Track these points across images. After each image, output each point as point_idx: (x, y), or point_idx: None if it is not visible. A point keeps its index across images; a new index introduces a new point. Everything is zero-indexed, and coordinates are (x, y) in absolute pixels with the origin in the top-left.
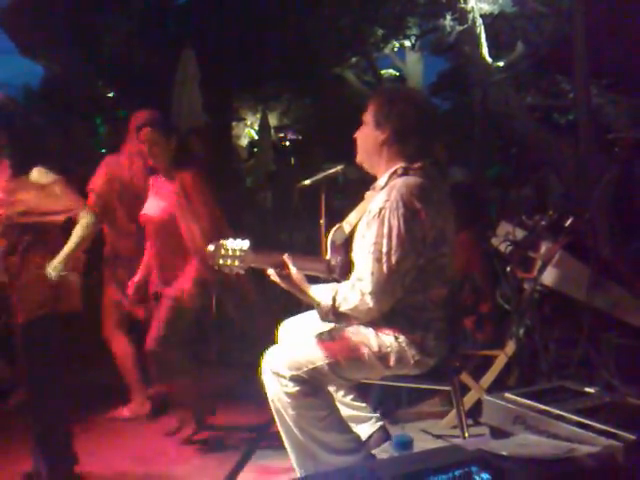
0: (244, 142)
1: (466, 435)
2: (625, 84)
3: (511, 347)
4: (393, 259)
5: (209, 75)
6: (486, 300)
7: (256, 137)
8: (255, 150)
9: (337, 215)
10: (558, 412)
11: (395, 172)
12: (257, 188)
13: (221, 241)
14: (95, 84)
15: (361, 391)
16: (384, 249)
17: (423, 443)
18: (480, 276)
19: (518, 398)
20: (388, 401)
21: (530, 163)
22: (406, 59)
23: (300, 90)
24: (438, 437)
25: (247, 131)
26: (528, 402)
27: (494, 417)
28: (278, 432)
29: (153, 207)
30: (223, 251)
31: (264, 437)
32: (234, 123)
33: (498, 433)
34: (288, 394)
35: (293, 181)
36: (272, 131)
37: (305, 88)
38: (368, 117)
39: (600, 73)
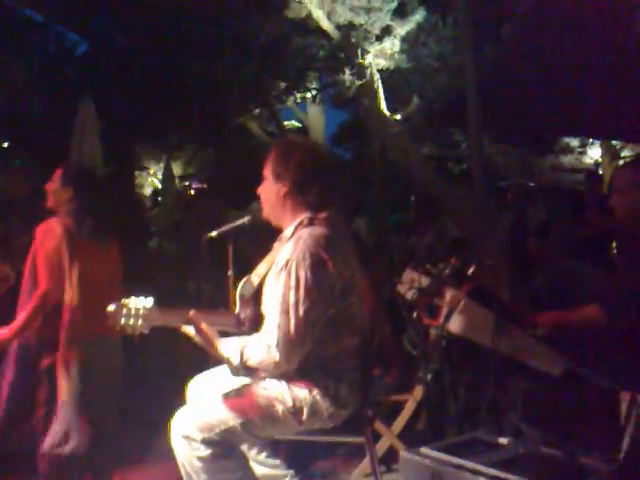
0: (148, 191)
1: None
2: (514, 135)
3: (419, 392)
4: (300, 310)
5: (110, 125)
6: (392, 346)
7: (160, 186)
8: (159, 199)
9: (249, 264)
10: (474, 466)
11: (301, 223)
12: (162, 238)
13: (123, 300)
14: None
15: (274, 445)
16: (291, 300)
17: None
18: (385, 325)
19: (434, 453)
20: (301, 454)
21: (429, 210)
22: (308, 111)
23: (204, 139)
24: None
25: (150, 180)
26: (445, 457)
27: (411, 474)
28: None
29: None
30: (125, 310)
31: None
32: (137, 172)
33: None
34: (200, 458)
35: (198, 230)
36: (176, 180)
37: (209, 138)
38: (267, 171)
39: (489, 125)
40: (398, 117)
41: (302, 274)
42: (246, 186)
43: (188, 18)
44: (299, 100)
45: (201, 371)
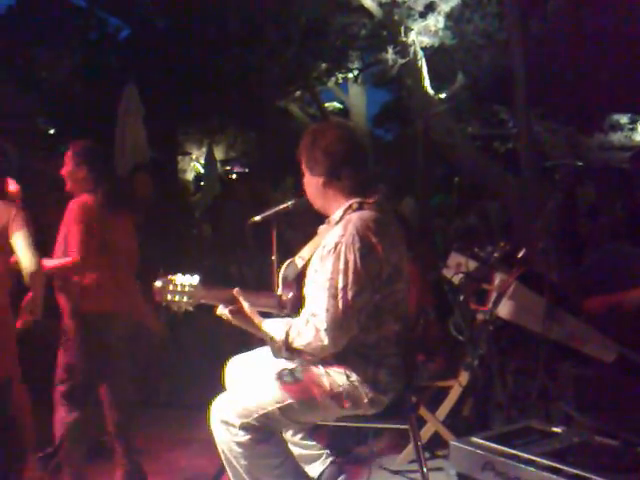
0: (190, 176)
1: (424, 470)
2: (561, 113)
3: (465, 377)
4: (349, 295)
5: (153, 110)
6: (438, 331)
7: (202, 171)
8: (202, 184)
9: (288, 248)
10: (528, 456)
11: (350, 207)
12: (204, 222)
13: (169, 276)
14: (35, 120)
15: (317, 430)
16: (340, 285)
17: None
18: (430, 310)
19: (486, 442)
20: (344, 439)
21: (473, 192)
22: (349, 92)
23: (245, 123)
24: (396, 473)
25: (193, 165)
26: (496, 446)
27: (462, 463)
28: None
29: None
30: (172, 287)
31: None
32: (180, 157)
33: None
34: (239, 443)
35: (241, 214)
36: (218, 164)
37: (250, 121)
38: (303, 166)
39: (537, 102)
40: (442, 96)
41: (351, 258)
42: (288, 169)
43: (227, 1)
44: (340, 81)
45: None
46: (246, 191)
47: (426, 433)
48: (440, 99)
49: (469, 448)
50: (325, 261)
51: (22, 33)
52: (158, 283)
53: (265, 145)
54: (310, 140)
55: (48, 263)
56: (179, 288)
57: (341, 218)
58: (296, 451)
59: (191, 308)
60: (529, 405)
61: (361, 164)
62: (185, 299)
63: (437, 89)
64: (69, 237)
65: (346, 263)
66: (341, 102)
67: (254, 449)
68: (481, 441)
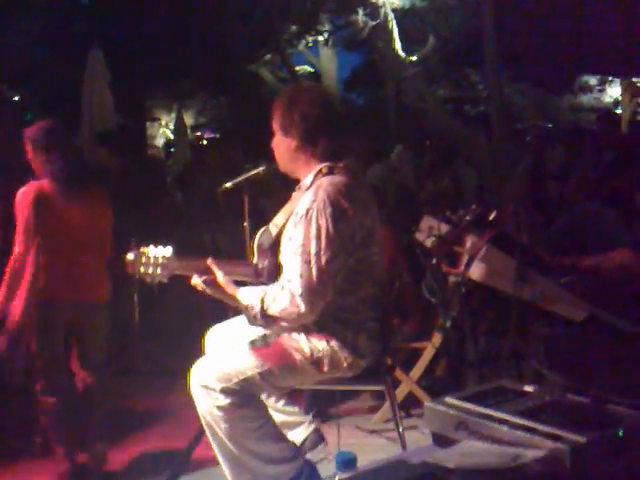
0: (160, 142)
1: (400, 429)
2: (531, 74)
3: (438, 339)
4: (323, 260)
5: (119, 75)
6: (411, 294)
7: (172, 137)
8: (172, 150)
9: (263, 215)
10: (500, 415)
11: (320, 171)
12: (175, 190)
13: (141, 249)
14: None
15: (293, 392)
16: (313, 250)
17: (358, 439)
18: (403, 273)
19: (459, 402)
20: (320, 400)
21: (445, 155)
22: (320, 55)
23: (215, 88)
24: (372, 432)
25: (163, 131)
26: (469, 406)
27: (436, 423)
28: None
29: None
30: (144, 259)
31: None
32: (148, 123)
33: (441, 440)
34: (219, 407)
35: (212, 182)
36: (188, 130)
37: (220, 86)
38: (275, 126)
39: (507, 64)
40: (413, 59)
41: (323, 223)
42: (260, 134)
43: None
44: (310, 44)
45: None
46: (217, 158)
47: (401, 393)
48: (411, 62)
49: (442, 408)
50: (297, 227)
51: None
52: (130, 255)
53: (236, 110)
54: (287, 101)
55: None
56: (152, 260)
57: (312, 183)
58: (279, 417)
59: (165, 280)
60: (501, 364)
61: (337, 130)
62: (158, 271)
63: (408, 52)
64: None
65: (318, 228)
66: (312, 65)
67: (234, 413)
68: (454, 401)
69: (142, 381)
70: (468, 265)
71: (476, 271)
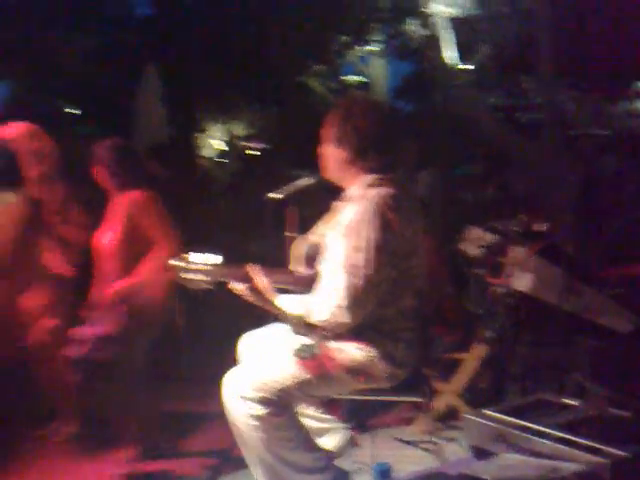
0: (209, 153)
1: (436, 441)
2: (586, 81)
3: (481, 350)
4: (366, 272)
5: (171, 88)
6: (453, 304)
7: (221, 148)
8: (221, 161)
9: (302, 224)
10: (540, 428)
11: (367, 183)
12: (222, 199)
13: (185, 255)
14: (54, 103)
15: (328, 401)
16: (357, 262)
17: (394, 451)
18: (446, 283)
19: (498, 415)
20: (357, 411)
21: (495, 163)
22: (370, 64)
23: (264, 99)
24: (409, 443)
25: (212, 142)
26: (508, 419)
27: (475, 436)
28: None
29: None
30: (188, 265)
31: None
32: (198, 135)
33: (479, 452)
34: (256, 417)
35: (261, 191)
36: (237, 141)
37: (269, 97)
38: (327, 134)
39: (562, 70)
40: (464, 67)
41: (368, 235)
42: (308, 144)
43: None
44: (361, 54)
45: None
46: (264, 170)
47: (441, 405)
48: (462, 70)
49: (482, 420)
50: (341, 238)
51: (36, 16)
52: (174, 261)
53: (284, 120)
54: (343, 113)
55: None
56: (195, 266)
57: (357, 195)
58: (311, 424)
59: (210, 286)
60: (544, 376)
61: (390, 147)
62: (201, 277)
63: (460, 60)
64: (146, 230)
65: (363, 240)
66: (362, 75)
67: (270, 422)
68: (494, 413)
69: (185, 387)
70: (514, 276)
71: (523, 282)
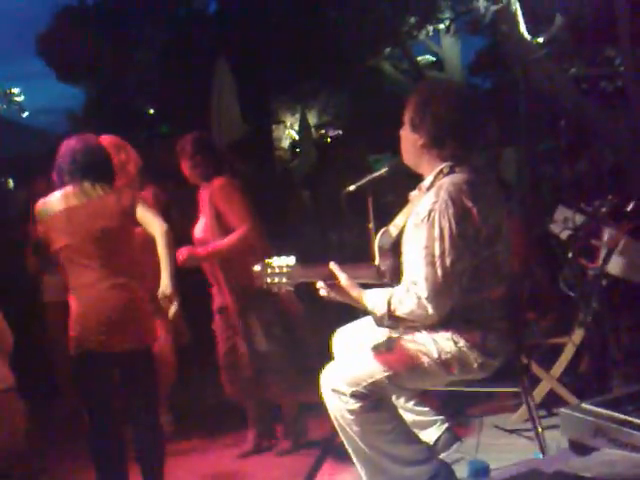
0: (286, 144)
1: (539, 430)
2: None
3: (579, 335)
4: (447, 261)
5: (245, 81)
6: (547, 288)
7: (297, 137)
8: (297, 150)
9: (389, 212)
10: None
11: (441, 171)
12: (302, 189)
13: (266, 260)
14: (134, 102)
15: (425, 392)
16: (437, 252)
17: (496, 439)
18: (538, 266)
19: (596, 409)
20: (457, 400)
21: (581, 136)
22: (442, 43)
23: (337, 85)
24: (511, 432)
25: (288, 132)
26: (607, 412)
27: (573, 431)
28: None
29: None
30: (269, 269)
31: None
32: (274, 126)
33: (578, 447)
34: (350, 411)
35: (341, 180)
36: (312, 130)
37: (342, 83)
38: (406, 118)
39: None
40: (540, 40)
41: (446, 224)
42: (384, 129)
43: None
44: (431, 33)
45: (350, 322)
46: (341, 157)
47: (541, 391)
48: (538, 43)
49: (579, 415)
50: (420, 229)
51: (115, 15)
52: (257, 267)
53: (358, 105)
54: (422, 98)
55: (219, 243)
56: (277, 270)
57: (432, 184)
58: (409, 417)
59: (292, 288)
60: None
61: (467, 136)
62: (284, 280)
63: (535, 32)
64: (227, 215)
65: (441, 230)
66: (434, 54)
67: (365, 416)
68: (592, 407)
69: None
70: (606, 259)
71: (615, 265)
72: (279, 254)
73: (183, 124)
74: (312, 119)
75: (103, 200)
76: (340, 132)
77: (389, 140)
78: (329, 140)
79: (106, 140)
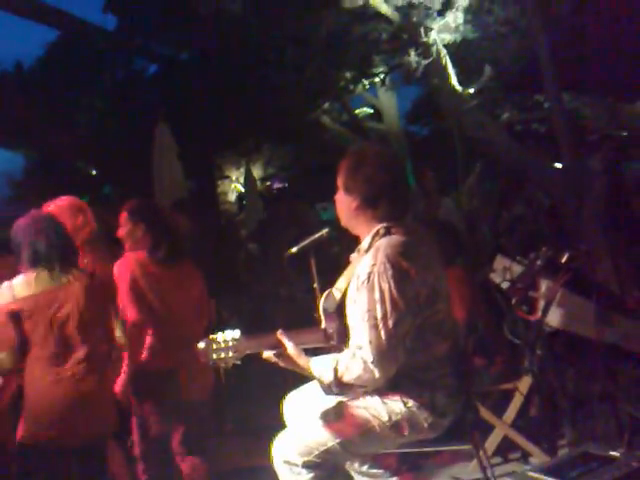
0: (232, 197)
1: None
2: (596, 87)
3: (526, 382)
4: (390, 323)
5: (187, 141)
6: (494, 334)
7: (243, 190)
8: (244, 203)
9: (338, 264)
10: None
11: (377, 233)
12: (250, 242)
13: (210, 336)
14: (75, 165)
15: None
16: (379, 315)
17: None
18: (483, 313)
19: (542, 476)
20: (411, 454)
21: (516, 181)
22: (378, 94)
23: (279, 139)
24: None
25: (234, 186)
26: None
27: None
28: None
29: None
30: (215, 345)
31: None
32: (219, 182)
33: None
34: None
35: (282, 232)
36: (258, 182)
37: (284, 137)
38: (339, 182)
39: (569, 81)
40: (471, 91)
41: (385, 286)
42: (327, 179)
43: (247, 24)
44: (367, 87)
45: (299, 385)
46: (287, 212)
47: (495, 438)
48: (469, 94)
49: None
50: (360, 292)
51: (53, 80)
52: (201, 344)
53: (300, 158)
54: (352, 163)
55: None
56: (222, 345)
57: (370, 246)
58: None
59: (238, 361)
60: (594, 408)
61: (399, 196)
62: (230, 354)
63: (465, 83)
64: (120, 297)
65: (382, 292)
66: (372, 106)
67: None
68: (537, 475)
69: (232, 442)
70: (545, 311)
71: (554, 317)
72: (230, 309)
73: (126, 184)
74: (257, 172)
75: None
76: (286, 184)
77: (333, 189)
78: (275, 192)
79: (65, 202)
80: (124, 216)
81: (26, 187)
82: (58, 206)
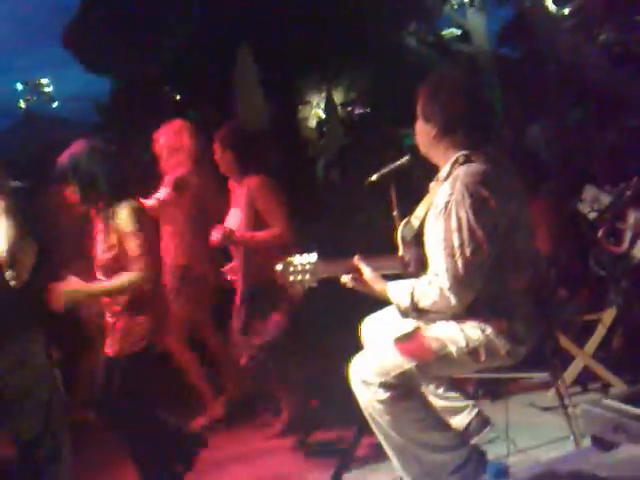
0: (313, 123)
1: (569, 412)
2: None
3: (610, 314)
4: (467, 252)
5: (268, 64)
6: (579, 265)
7: (324, 116)
8: (324, 129)
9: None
10: None
11: (456, 161)
12: (330, 168)
13: (288, 258)
14: (162, 90)
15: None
16: (455, 243)
17: (530, 418)
18: (569, 244)
19: (616, 404)
20: (488, 380)
21: (610, 107)
22: (467, 14)
23: (362, 63)
24: (546, 410)
25: (314, 111)
26: (628, 408)
27: (594, 426)
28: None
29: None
30: (292, 268)
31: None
32: (301, 106)
33: (600, 443)
34: (380, 401)
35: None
36: (339, 108)
37: (367, 60)
38: (418, 111)
39: None
40: (566, 11)
41: (463, 215)
42: (411, 103)
43: None
44: (455, 7)
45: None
46: (371, 134)
47: (575, 368)
48: (564, 15)
49: (599, 411)
50: (438, 221)
51: (139, 4)
52: (279, 266)
53: (384, 82)
54: (430, 89)
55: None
56: (299, 268)
57: (448, 174)
58: (440, 404)
59: (315, 284)
60: None
61: (479, 123)
62: (307, 277)
63: (560, 3)
64: (264, 214)
65: (459, 221)
66: (459, 27)
67: (395, 406)
68: (612, 403)
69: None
70: (632, 243)
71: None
72: (312, 238)
73: (210, 109)
74: (338, 97)
75: None
76: (368, 109)
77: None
78: (356, 117)
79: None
80: (216, 142)
81: (113, 112)
82: (168, 128)
